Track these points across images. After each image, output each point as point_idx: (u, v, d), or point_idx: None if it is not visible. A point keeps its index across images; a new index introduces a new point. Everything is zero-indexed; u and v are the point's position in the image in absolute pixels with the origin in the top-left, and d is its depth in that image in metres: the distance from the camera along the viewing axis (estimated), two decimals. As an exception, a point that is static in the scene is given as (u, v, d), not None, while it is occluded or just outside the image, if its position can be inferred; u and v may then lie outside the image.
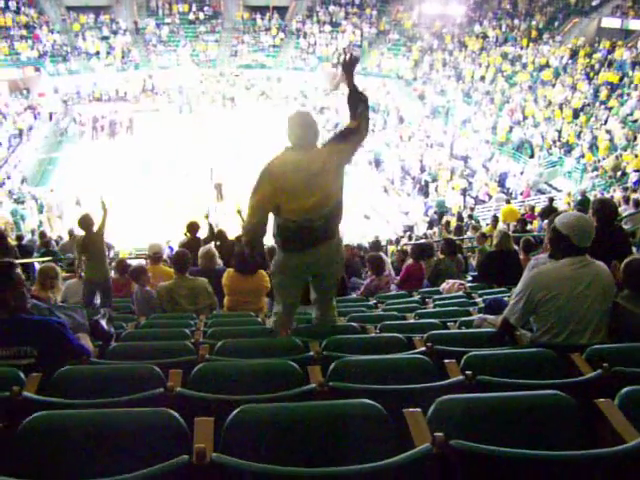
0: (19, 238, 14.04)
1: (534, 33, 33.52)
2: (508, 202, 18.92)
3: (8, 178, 25.42)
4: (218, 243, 9.95)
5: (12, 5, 37.60)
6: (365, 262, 10.95)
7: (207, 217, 11.15)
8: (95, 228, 8.00)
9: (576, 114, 25.81)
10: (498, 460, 2.17)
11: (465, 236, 14.80)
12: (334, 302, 5.07)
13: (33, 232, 19.17)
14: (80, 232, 8.34)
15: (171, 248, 14.98)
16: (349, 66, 4.68)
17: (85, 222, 8.08)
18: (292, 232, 4.42)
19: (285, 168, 4.38)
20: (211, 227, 10.64)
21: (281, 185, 4.34)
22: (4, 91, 33.99)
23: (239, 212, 8.25)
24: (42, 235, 15.22)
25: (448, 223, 18.56)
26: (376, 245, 10.82)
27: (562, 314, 3.71)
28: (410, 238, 17.56)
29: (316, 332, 4.62)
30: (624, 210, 12.56)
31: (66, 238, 14.71)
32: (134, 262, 10.24)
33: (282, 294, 4.84)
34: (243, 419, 2.47)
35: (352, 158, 4.73)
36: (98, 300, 7.84)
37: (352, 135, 4.55)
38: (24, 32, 36.91)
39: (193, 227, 10.07)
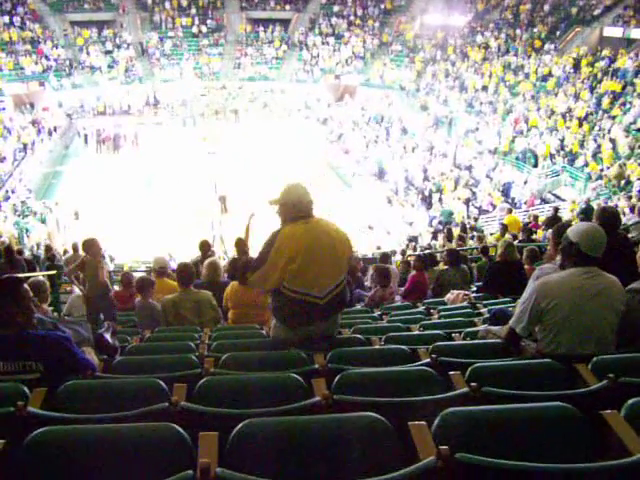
0: (19, 252, 14.07)
1: (536, 43, 33.60)
2: (510, 211, 18.90)
3: (13, 192, 25.52)
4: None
5: (17, 21, 37.93)
6: (367, 273, 10.96)
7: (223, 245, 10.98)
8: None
9: (579, 123, 25.82)
10: (504, 473, 2.16)
11: (468, 246, 14.77)
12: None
13: (38, 245, 19.24)
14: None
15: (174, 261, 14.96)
16: None
17: (85, 245, 8.08)
18: (301, 306, 4.39)
19: (294, 235, 4.36)
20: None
21: (292, 252, 4.31)
22: (9, 106, 34.17)
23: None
24: (47, 249, 15.27)
25: (450, 231, 18.52)
26: (385, 257, 10.81)
27: (567, 323, 3.69)
28: (414, 249, 17.55)
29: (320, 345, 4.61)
30: (629, 219, 12.54)
31: (70, 252, 14.72)
32: (138, 275, 10.23)
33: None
34: (248, 433, 2.46)
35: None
36: (102, 315, 7.84)
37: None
38: (29, 47, 37.21)
39: (205, 246, 10.06)
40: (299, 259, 4.30)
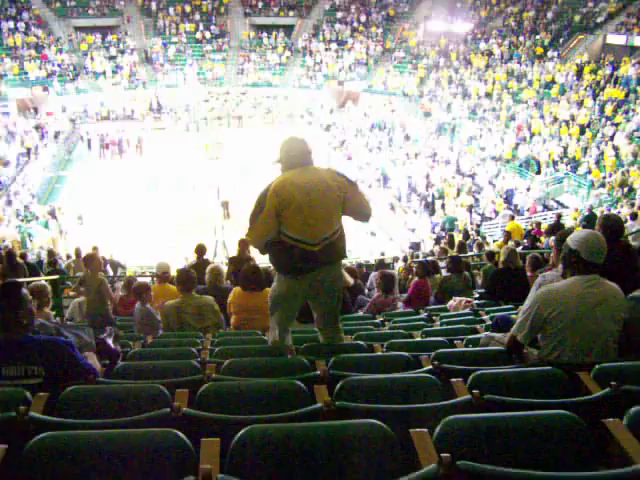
0: (23, 256, 14.09)
1: (539, 50, 33.66)
2: (512, 218, 18.89)
3: (16, 196, 25.57)
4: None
5: (21, 26, 38.09)
6: (366, 279, 10.96)
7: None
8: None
9: (582, 130, 25.84)
10: (505, 481, 2.16)
11: (470, 253, 14.74)
12: (339, 324, 5.06)
13: (41, 249, 19.25)
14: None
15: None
16: None
17: (86, 260, 8.07)
18: (290, 255, 4.46)
19: (288, 183, 4.45)
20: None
21: (286, 200, 4.39)
22: (13, 110, 34.28)
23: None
24: (50, 253, 15.26)
25: (452, 238, 18.50)
26: (383, 266, 10.79)
27: (569, 332, 3.68)
28: (417, 256, 17.53)
29: (322, 351, 4.61)
30: (631, 226, 12.52)
31: (73, 257, 14.74)
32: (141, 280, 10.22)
33: (278, 315, 4.88)
34: (249, 439, 2.46)
35: (346, 210, 4.65)
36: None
37: (358, 200, 4.63)
38: (33, 52, 37.36)
39: (201, 249, 10.08)
40: (292, 204, 4.37)
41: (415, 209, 26.41)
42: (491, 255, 10.77)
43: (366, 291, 10.55)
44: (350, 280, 4.91)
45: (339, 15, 43.19)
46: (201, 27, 42.62)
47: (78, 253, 14.03)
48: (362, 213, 4.69)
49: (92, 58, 39.02)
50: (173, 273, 8.38)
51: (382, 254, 20.33)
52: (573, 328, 3.68)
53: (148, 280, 11.19)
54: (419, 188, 27.29)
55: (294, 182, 4.44)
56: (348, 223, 4.72)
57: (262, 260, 7.87)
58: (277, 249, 4.55)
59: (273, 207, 4.40)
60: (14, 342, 3.48)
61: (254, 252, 5.88)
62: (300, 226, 4.40)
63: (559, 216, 17.24)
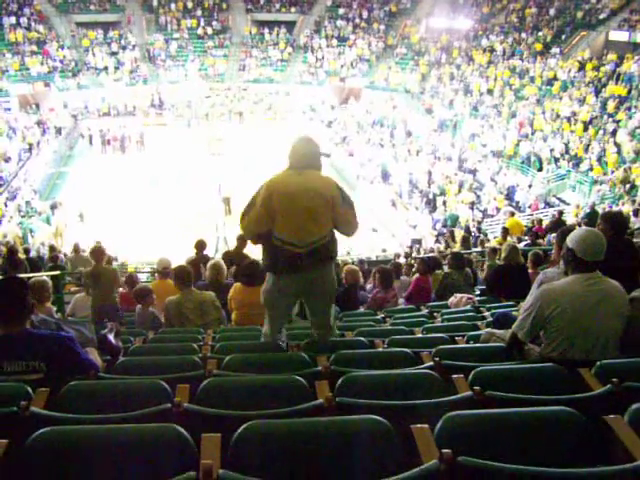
0: (26, 251, 14.12)
1: (539, 46, 33.59)
2: (512, 215, 18.87)
3: (18, 192, 25.58)
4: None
5: (23, 21, 38.07)
6: (368, 276, 10.95)
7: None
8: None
9: (584, 127, 25.80)
10: (506, 477, 2.15)
11: (473, 250, 14.75)
12: (332, 321, 5.08)
13: (43, 245, 19.25)
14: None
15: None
16: None
17: (96, 253, 8.08)
18: (282, 254, 4.51)
19: (282, 184, 4.54)
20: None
21: (276, 199, 4.47)
22: (14, 106, 34.26)
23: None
24: (51, 249, 15.28)
25: (452, 233, 18.51)
26: (397, 268, 10.77)
27: (571, 330, 3.68)
28: (418, 252, 17.53)
29: (324, 347, 4.61)
30: (634, 223, 12.51)
31: (71, 253, 14.74)
32: (142, 276, 10.23)
33: (270, 313, 4.93)
34: (250, 435, 2.46)
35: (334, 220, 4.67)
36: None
37: (345, 215, 4.64)
38: (34, 48, 37.34)
39: (200, 245, 10.07)
40: (282, 207, 4.45)
41: (416, 206, 26.40)
42: (494, 251, 10.78)
43: (368, 287, 10.54)
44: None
45: (341, 11, 43.11)
46: (203, 23, 42.55)
47: (77, 249, 14.02)
48: (344, 228, 4.69)
49: (94, 54, 39.00)
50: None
51: (383, 250, 20.34)
52: (575, 326, 3.68)
53: (148, 276, 11.20)
54: (420, 185, 27.27)
55: (287, 183, 4.53)
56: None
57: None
58: (267, 248, 4.64)
59: (264, 205, 4.49)
60: (15, 337, 3.48)
61: (254, 250, 5.85)
62: (288, 228, 4.48)
63: (560, 213, 17.20)
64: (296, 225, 4.46)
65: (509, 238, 14.28)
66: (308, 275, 4.61)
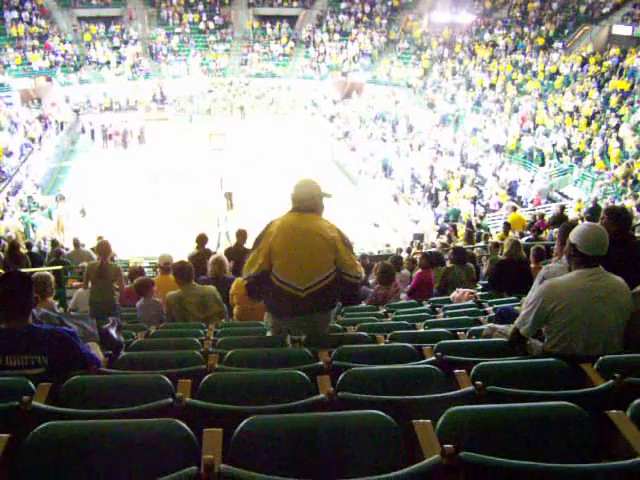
0: (28, 246, 14.12)
1: (541, 40, 33.49)
2: (514, 209, 18.84)
3: (19, 187, 25.58)
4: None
5: (25, 16, 38.03)
6: (370, 271, 10.95)
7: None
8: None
9: (587, 122, 25.73)
10: (508, 472, 2.15)
11: (476, 245, 14.73)
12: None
13: (45, 240, 19.26)
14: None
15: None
16: None
17: (102, 248, 8.07)
18: (283, 296, 4.57)
19: (283, 226, 4.62)
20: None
21: (276, 241, 4.55)
22: (16, 101, 34.26)
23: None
24: (54, 244, 15.28)
25: (454, 228, 18.49)
26: (397, 261, 10.76)
27: (574, 326, 3.67)
28: (420, 247, 17.52)
29: (325, 342, 4.61)
30: (637, 218, 12.48)
31: (72, 247, 14.71)
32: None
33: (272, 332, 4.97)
34: (252, 430, 2.46)
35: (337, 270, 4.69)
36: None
37: (348, 261, 4.66)
38: (36, 42, 37.31)
39: (202, 239, 10.07)
40: (283, 248, 4.53)
41: (419, 200, 26.37)
42: (496, 246, 10.77)
43: (370, 281, 10.55)
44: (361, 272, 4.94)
45: (343, 6, 43.03)
46: (205, 17, 42.51)
47: (76, 243, 14.02)
48: (349, 270, 4.67)
49: (95, 48, 38.97)
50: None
51: (387, 245, 20.33)
52: (577, 322, 3.67)
53: (149, 270, 11.19)
54: (423, 179, 27.24)
55: (290, 227, 4.61)
56: (352, 212, 4.76)
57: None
58: (269, 291, 4.69)
59: (267, 245, 4.57)
60: (17, 332, 3.48)
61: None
62: (289, 270, 4.54)
63: (562, 208, 17.17)
64: (295, 266, 4.53)
65: (511, 233, 14.28)
66: (307, 318, 4.69)
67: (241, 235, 9.78)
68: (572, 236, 3.81)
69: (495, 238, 14.54)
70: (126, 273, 9.66)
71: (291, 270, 4.53)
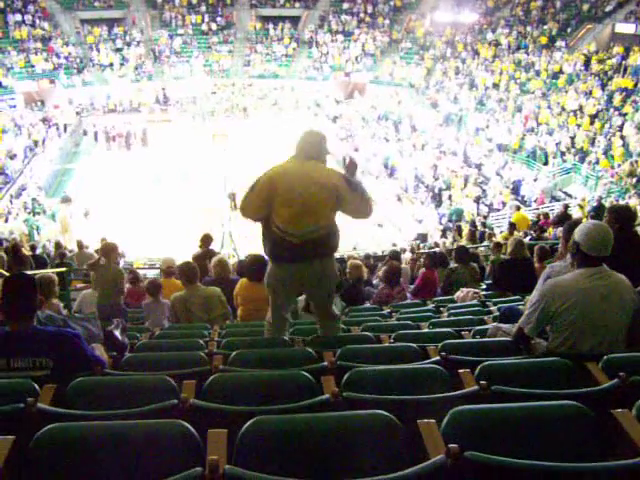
0: (32, 248, 14.14)
1: (543, 39, 33.44)
2: (518, 209, 18.80)
3: (24, 189, 25.63)
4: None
5: (28, 19, 38.10)
6: (374, 271, 10.95)
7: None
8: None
9: (590, 120, 25.69)
10: (513, 472, 2.15)
11: (480, 244, 14.72)
12: (334, 318, 5.08)
13: (50, 242, 19.29)
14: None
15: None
16: (352, 170, 4.79)
17: (106, 250, 8.08)
18: (278, 242, 4.56)
19: (284, 171, 4.60)
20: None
21: (276, 185, 4.51)
22: (20, 103, 34.33)
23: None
24: (57, 246, 15.29)
25: (459, 228, 18.46)
26: (395, 255, 10.78)
27: (578, 325, 3.67)
28: (418, 247, 17.52)
29: (330, 342, 4.62)
30: (640, 217, 12.43)
31: (76, 249, 14.74)
32: (147, 272, 10.22)
33: (272, 297, 4.96)
34: (257, 430, 2.46)
35: (342, 211, 4.67)
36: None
37: (354, 202, 4.61)
38: (39, 45, 37.36)
39: (206, 239, 10.08)
40: (280, 192, 4.49)
41: (422, 200, 26.36)
42: (498, 246, 10.74)
43: (374, 281, 10.55)
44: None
45: (345, 6, 42.98)
46: (207, 19, 42.48)
47: (80, 245, 14.04)
48: (355, 214, 4.69)
49: (98, 50, 39.03)
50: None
51: (394, 245, 20.30)
52: (582, 321, 3.67)
53: (156, 273, 11.20)
54: (426, 179, 27.23)
55: (287, 171, 4.59)
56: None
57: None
58: (266, 234, 4.69)
59: (264, 190, 4.54)
60: (22, 334, 3.49)
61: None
62: (286, 217, 4.50)
63: (566, 207, 17.14)
64: (292, 213, 4.48)
65: (516, 233, 14.25)
66: (306, 266, 4.63)
67: (206, 239, 9.90)
68: (576, 234, 3.80)
69: (499, 238, 14.51)
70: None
71: (288, 217, 4.48)
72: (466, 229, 17.90)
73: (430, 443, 2.41)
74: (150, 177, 27.81)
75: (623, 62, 27.73)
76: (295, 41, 41.97)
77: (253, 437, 2.43)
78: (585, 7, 33.54)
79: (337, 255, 6.63)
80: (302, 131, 4.81)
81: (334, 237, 4.66)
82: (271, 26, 42.69)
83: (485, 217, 22.26)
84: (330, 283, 4.86)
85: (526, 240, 11.07)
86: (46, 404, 2.95)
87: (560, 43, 32.50)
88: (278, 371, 3.59)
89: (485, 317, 6.10)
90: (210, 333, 5.53)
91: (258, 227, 4.85)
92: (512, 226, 14.83)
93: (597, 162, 23.26)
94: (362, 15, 42.44)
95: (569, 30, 33.37)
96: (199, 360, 3.97)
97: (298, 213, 4.47)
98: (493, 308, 6.78)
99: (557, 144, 25.76)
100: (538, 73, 31.51)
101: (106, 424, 2.59)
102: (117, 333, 4.71)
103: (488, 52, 35.54)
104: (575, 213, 16.85)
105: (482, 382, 3.08)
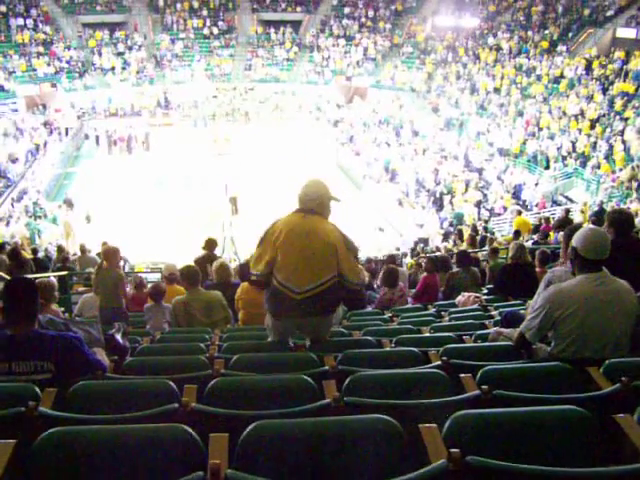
0: (34, 251, 14.16)
1: (545, 44, 33.47)
2: (519, 213, 18.80)
3: (25, 193, 25.66)
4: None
5: (30, 23, 38.22)
6: (376, 274, 10.96)
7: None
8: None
9: (592, 125, 25.69)
10: (515, 477, 2.14)
11: (481, 249, 14.70)
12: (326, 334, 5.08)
13: (51, 244, 19.31)
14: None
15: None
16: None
17: (108, 254, 8.08)
18: (279, 297, 4.55)
19: (285, 226, 4.55)
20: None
21: (279, 241, 4.49)
22: (21, 107, 34.39)
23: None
24: (60, 249, 15.30)
25: (461, 232, 18.46)
26: (391, 258, 10.82)
27: (582, 331, 3.66)
28: (424, 251, 17.50)
29: (331, 346, 4.61)
30: (641, 221, 12.42)
31: (79, 253, 14.77)
32: (148, 276, 10.22)
33: (273, 335, 4.94)
34: (258, 435, 2.46)
35: (339, 271, 4.60)
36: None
37: (349, 261, 4.59)
38: (41, 49, 37.48)
39: (210, 243, 10.08)
40: (283, 249, 4.48)
41: (423, 204, 26.36)
42: (494, 252, 10.73)
43: (375, 285, 10.55)
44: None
45: (347, 10, 43.09)
46: (209, 23, 42.60)
47: (83, 249, 14.05)
48: (351, 275, 4.58)
49: (100, 54, 39.11)
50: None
51: (397, 249, 20.29)
52: (585, 327, 3.66)
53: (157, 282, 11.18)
54: (427, 183, 27.23)
55: (293, 227, 4.53)
56: (356, 216, 4.72)
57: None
58: (268, 289, 4.67)
59: (270, 245, 4.54)
60: (24, 338, 3.48)
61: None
62: (286, 271, 4.50)
63: (567, 211, 17.14)
64: (293, 268, 4.47)
65: (521, 239, 14.23)
66: (305, 322, 4.68)
67: (210, 243, 9.89)
68: (573, 240, 3.81)
69: (501, 240, 14.51)
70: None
71: (289, 272, 4.48)
72: (467, 233, 17.90)
73: (432, 448, 2.41)
74: (151, 181, 27.85)
75: (624, 67, 27.74)
76: (296, 45, 42.06)
77: (254, 441, 2.43)
78: (586, 12, 33.59)
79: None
80: (306, 181, 4.74)
81: (335, 294, 4.63)
82: (272, 30, 42.80)
83: (486, 221, 22.26)
84: (326, 333, 4.88)
85: (528, 244, 11.06)
86: (47, 408, 2.95)
87: (561, 48, 32.53)
88: (279, 375, 3.58)
89: (486, 322, 6.10)
90: (211, 337, 5.53)
91: (258, 229, 4.84)
92: (517, 233, 14.82)
93: (598, 167, 23.24)
94: (363, 19, 42.53)
95: (570, 35, 33.40)
96: (200, 364, 3.96)
97: (298, 267, 4.46)
98: (494, 313, 6.77)
99: (558, 148, 25.76)
100: (539, 78, 31.52)
101: (107, 428, 2.59)
102: (118, 337, 4.70)
103: (489, 57, 35.59)
104: (577, 218, 16.85)
105: (483, 387, 3.07)
